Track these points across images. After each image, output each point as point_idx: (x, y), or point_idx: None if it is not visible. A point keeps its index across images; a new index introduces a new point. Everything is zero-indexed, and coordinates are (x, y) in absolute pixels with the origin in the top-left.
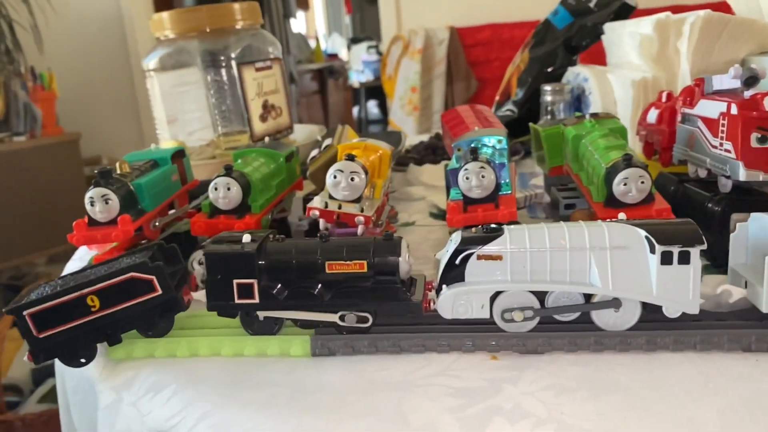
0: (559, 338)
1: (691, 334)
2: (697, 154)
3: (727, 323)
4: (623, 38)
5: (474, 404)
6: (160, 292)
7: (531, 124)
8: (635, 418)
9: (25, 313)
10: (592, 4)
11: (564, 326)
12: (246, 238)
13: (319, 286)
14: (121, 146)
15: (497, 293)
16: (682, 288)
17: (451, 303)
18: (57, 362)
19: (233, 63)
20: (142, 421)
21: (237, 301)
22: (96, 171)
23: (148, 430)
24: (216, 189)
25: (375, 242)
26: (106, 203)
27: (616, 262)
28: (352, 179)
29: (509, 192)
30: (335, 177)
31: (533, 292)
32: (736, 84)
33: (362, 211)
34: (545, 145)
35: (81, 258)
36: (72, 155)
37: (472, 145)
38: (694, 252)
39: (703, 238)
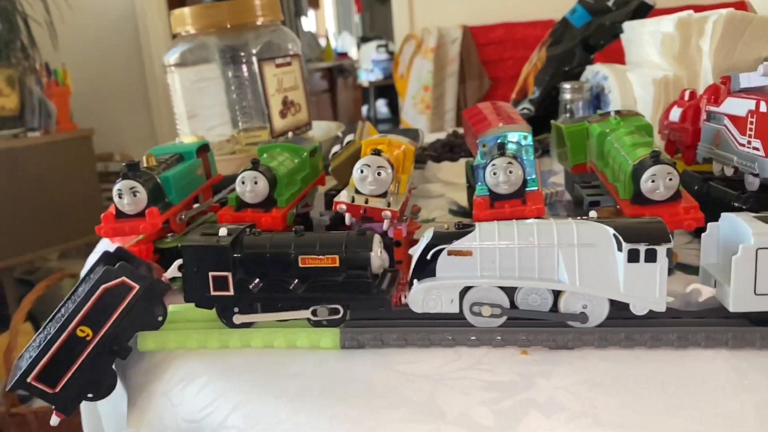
0: (590, 333)
1: (723, 330)
2: (724, 152)
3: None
4: (643, 37)
5: (508, 397)
6: (137, 286)
7: (553, 122)
8: (670, 413)
9: (29, 380)
10: (610, 3)
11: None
12: (222, 231)
13: (294, 280)
14: (134, 143)
15: (467, 288)
16: (649, 285)
17: (422, 297)
18: None
19: (254, 59)
20: (174, 411)
21: (212, 293)
22: (124, 164)
23: (180, 420)
24: (243, 183)
25: (348, 237)
26: (134, 195)
27: (584, 259)
28: (379, 174)
29: (536, 188)
30: (362, 171)
31: (503, 288)
32: (765, 81)
33: (389, 205)
34: (568, 143)
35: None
36: (85, 151)
37: (499, 141)
38: (661, 250)
39: (670, 236)
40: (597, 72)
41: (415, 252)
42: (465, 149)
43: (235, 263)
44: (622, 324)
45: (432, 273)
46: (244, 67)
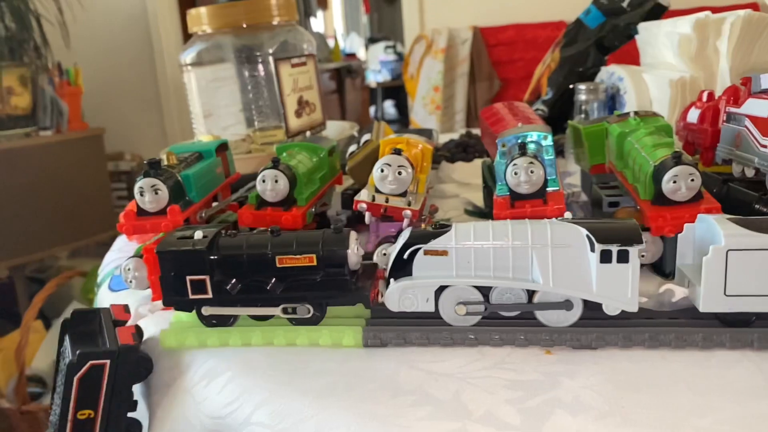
0: (613, 333)
1: (748, 331)
2: (744, 154)
3: None
4: (659, 38)
5: (533, 396)
6: (107, 362)
7: (570, 122)
8: (699, 414)
9: None
10: (624, 4)
11: (617, 321)
12: (198, 234)
13: (271, 279)
14: (144, 143)
15: (443, 287)
16: (621, 286)
17: (398, 296)
18: None
19: (270, 59)
20: (197, 408)
21: (191, 296)
22: (145, 161)
23: (203, 416)
24: (264, 181)
25: (324, 235)
26: (156, 193)
27: (557, 259)
28: (399, 173)
29: (557, 188)
30: (382, 171)
31: (478, 288)
32: None
33: (409, 204)
34: (586, 143)
35: (120, 249)
36: (96, 150)
37: (520, 141)
38: (633, 251)
39: (642, 237)
40: (612, 73)
41: (393, 251)
42: (479, 149)
43: (212, 266)
44: (646, 324)
45: (409, 272)
46: (260, 67)
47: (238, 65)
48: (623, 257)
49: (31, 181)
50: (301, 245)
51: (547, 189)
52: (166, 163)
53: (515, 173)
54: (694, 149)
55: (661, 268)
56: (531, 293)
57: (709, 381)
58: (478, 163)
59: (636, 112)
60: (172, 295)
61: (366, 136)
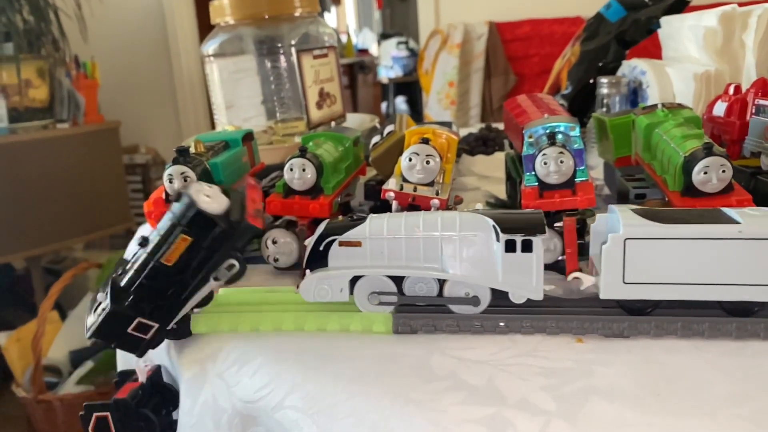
0: (645, 322)
1: None
2: None
3: None
4: (682, 32)
5: (567, 384)
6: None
7: (594, 115)
8: (736, 402)
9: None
10: None
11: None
12: (100, 296)
13: (178, 278)
14: (159, 136)
15: (357, 277)
16: (526, 274)
17: (314, 286)
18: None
19: (292, 50)
20: (229, 392)
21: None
22: (174, 149)
23: (235, 400)
24: (291, 169)
25: (175, 217)
26: (185, 180)
27: (465, 249)
28: (428, 162)
29: (586, 178)
30: (411, 160)
31: (391, 278)
32: None
33: (437, 194)
34: (612, 136)
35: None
36: (112, 143)
37: (548, 131)
38: (537, 241)
39: (545, 227)
40: (635, 67)
41: (309, 243)
42: (499, 143)
43: (133, 309)
44: (679, 314)
45: (325, 263)
46: (282, 58)
47: (259, 57)
48: (527, 246)
49: (47, 173)
50: (167, 235)
51: (576, 180)
52: (194, 151)
53: (545, 163)
54: (720, 142)
55: None
56: (442, 282)
57: (745, 371)
58: (498, 156)
59: (663, 104)
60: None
61: (389, 128)
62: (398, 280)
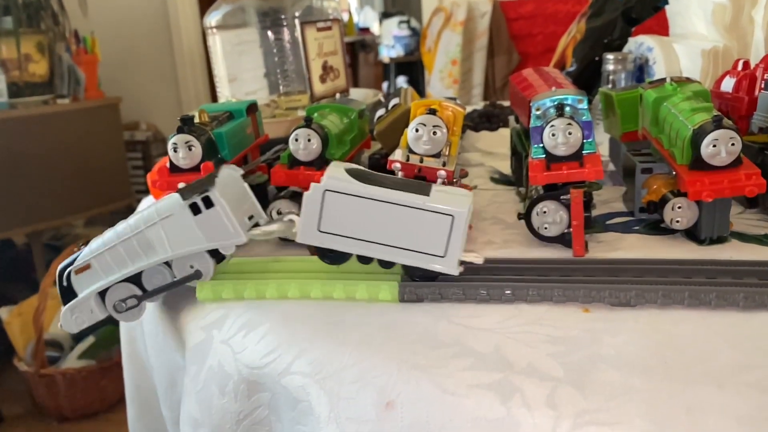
0: (652, 292)
1: None
2: None
3: None
4: (690, 8)
5: (575, 351)
6: None
7: (601, 89)
8: (744, 370)
9: None
10: None
11: (658, 280)
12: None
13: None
14: (159, 113)
15: (104, 294)
16: (222, 228)
17: (70, 318)
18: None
19: (296, 21)
20: (235, 358)
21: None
22: (179, 118)
23: (241, 366)
24: (297, 140)
25: None
26: (189, 150)
27: (168, 229)
28: (434, 133)
29: (593, 151)
30: (417, 130)
31: (130, 281)
32: None
33: (444, 165)
34: (619, 110)
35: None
36: (112, 119)
37: (556, 103)
38: (212, 193)
39: (216, 179)
40: (641, 43)
41: (58, 280)
42: (503, 119)
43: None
44: (686, 283)
45: (75, 294)
46: (285, 30)
47: (262, 29)
48: (208, 203)
49: (48, 149)
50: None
51: (584, 152)
52: (198, 120)
53: (553, 134)
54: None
55: (696, 233)
56: (170, 265)
57: (753, 341)
58: (502, 132)
59: (672, 78)
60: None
61: (394, 101)
62: (138, 280)
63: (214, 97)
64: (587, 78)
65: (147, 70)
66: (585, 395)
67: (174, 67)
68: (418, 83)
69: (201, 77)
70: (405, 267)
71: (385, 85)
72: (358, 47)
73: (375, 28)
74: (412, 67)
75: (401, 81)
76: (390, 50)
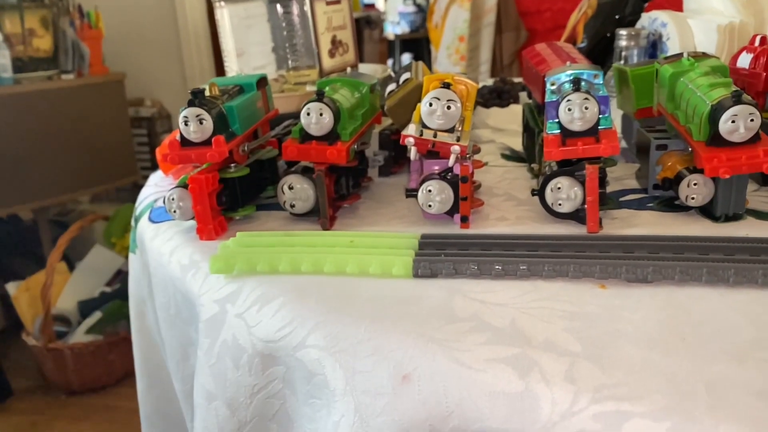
0: (670, 268)
1: None
2: None
3: None
4: None
5: (592, 327)
6: None
7: (615, 65)
8: (763, 347)
9: None
10: None
11: (674, 257)
12: None
13: None
14: (164, 89)
15: None
16: None
17: None
18: (131, 288)
19: None
20: (249, 332)
21: None
22: (190, 91)
23: (256, 340)
24: (308, 114)
25: None
26: (201, 123)
27: None
28: (449, 107)
29: (609, 126)
30: (431, 105)
31: None
32: None
33: (458, 140)
34: (633, 86)
35: (156, 184)
36: (117, 95)
37: (572, 78)
38: None
39: None
40: (655, 19)
41: None
42: (514, 95)
43: None
44: (703, 260)
45: None
46: (294, 4)
47: (270, 3)
48: None
49: (53, 125)
50: None
51: (599, 127)
52: (208, 93)
53: (569, 109)
54: None
55: (711, 210)
56: None
57: None
58: (513, 108)
59: (689, 53)
60: None
61: (405, 75)
62: None
63: (219, 73)
64: (598, 54)
65: (151, 46)
66: (604, 370)
67: (179, 43)
68: (423, 61)
69: (206, 53)
70: None
71: (390, 62)
72: (363, 23)
73: (380, 4)
74: (417, 44)
75: (406, 58)
76: (395, 27)
